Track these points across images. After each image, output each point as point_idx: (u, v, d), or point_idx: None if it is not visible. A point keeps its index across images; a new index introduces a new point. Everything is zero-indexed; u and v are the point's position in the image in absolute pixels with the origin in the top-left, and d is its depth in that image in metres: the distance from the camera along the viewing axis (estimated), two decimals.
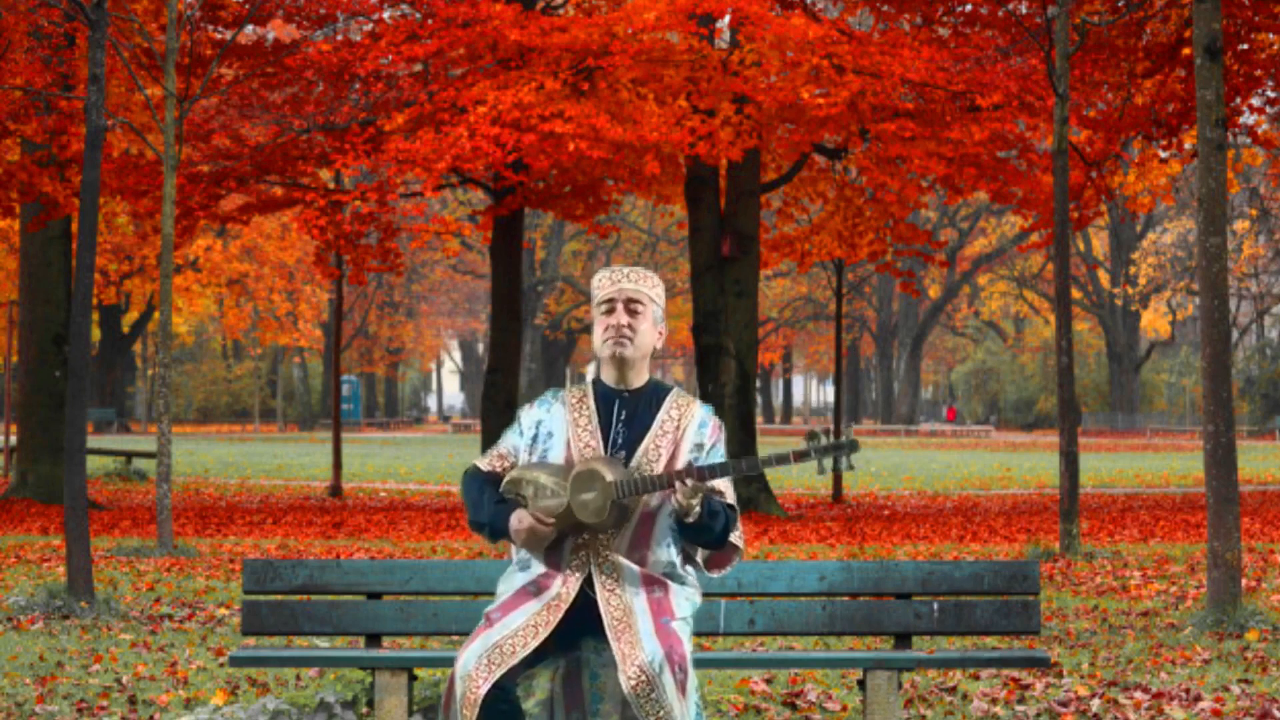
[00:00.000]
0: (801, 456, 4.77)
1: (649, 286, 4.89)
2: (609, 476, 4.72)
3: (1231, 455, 9.59)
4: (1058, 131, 14.29)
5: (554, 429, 4.91)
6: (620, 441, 4.86)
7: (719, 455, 4.89)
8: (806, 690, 7.16)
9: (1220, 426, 9.57)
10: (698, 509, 4.74)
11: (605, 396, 4.92)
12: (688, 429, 4.88)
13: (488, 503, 4.92)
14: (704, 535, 4.84)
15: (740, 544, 4.98)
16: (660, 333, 4.91)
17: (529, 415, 4.97)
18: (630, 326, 4.84)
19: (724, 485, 4.86)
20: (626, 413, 4.89)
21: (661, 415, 4.89)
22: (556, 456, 4.88)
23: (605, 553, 4.82)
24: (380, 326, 71.83)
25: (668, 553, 4.87)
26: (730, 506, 4.87)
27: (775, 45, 18.15)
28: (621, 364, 4.87)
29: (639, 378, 4.92)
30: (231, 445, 46.66)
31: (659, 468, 4.82)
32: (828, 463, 4.77)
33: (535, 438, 4.93)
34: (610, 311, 4.85)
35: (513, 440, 4.97)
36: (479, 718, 4.61)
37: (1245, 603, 9.57)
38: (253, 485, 26.36)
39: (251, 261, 52.33)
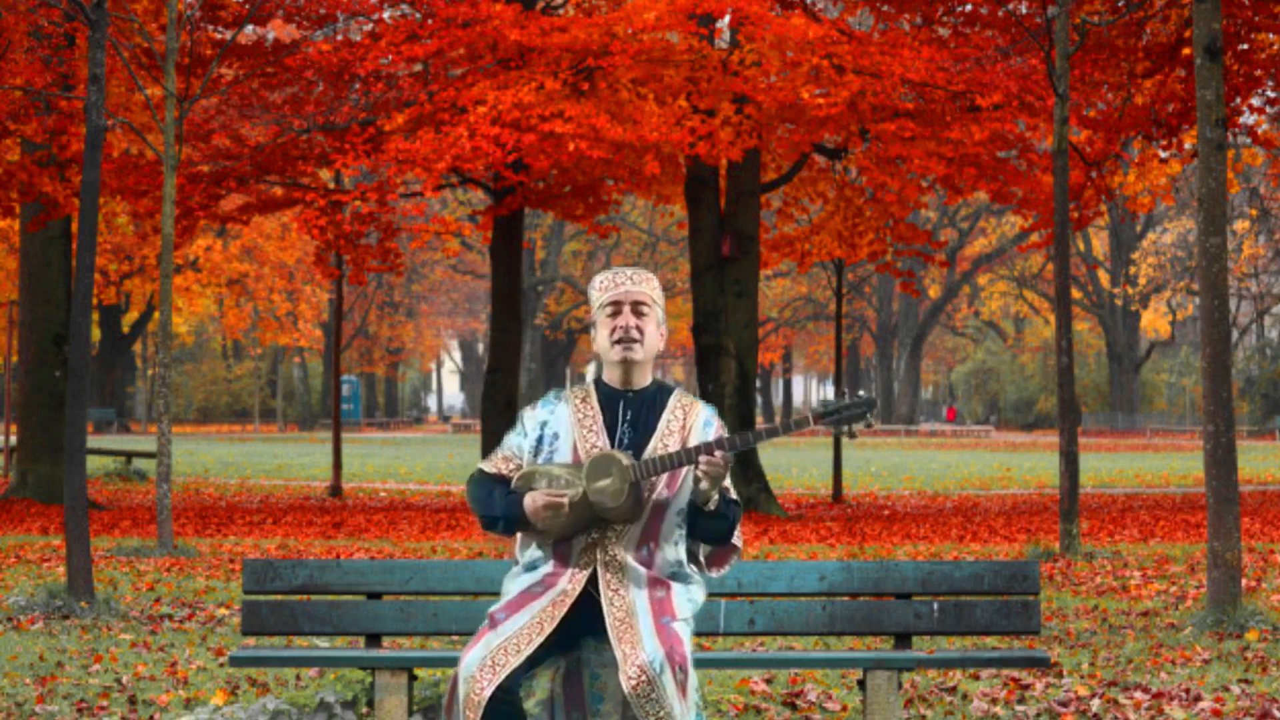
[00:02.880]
0: (821, 418, 4.78)
1: (652, 288, 4.88)
2: (625, 461, 4.71)
3: (1231, 455, 9.59)
4: (1058, 131, 14.29)
5: (560, 430, 4.89)
6: (626, 442, 4.85)
7: None
8: (806, 690, 7.16)
9: (1220, 426, 9.57)
10: (717, 496, 4.75)
11: (609, 397, 4.90)
12: (693, 428, 4.87)
13: (499, 497, 4.89)
14: (717, 528, 4.84)
15: (739, 543, 4.99)
16: (662, 334, 4.90)
17: (532, 417, 4.95)
18: (638, 328, 4.83)
19: (728, 482, 4.88)
20: (632, 413, 4.88)
21: (666, 415, 4.88)
22: (563, 458, 4.87)
23: (612, 551, 4.81)
24: (380, 326, 71.84)
25: (675, 551, 4.87)
26: (735, 502, 4.89)
27: (775, 45, 18.14)
28: (629, 366, 4.86)
29: (643, 379, 4.91)
30: (231, 445, 46.66)
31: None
32: (848, 425, 4.79)
33: (540, 439, 4.91)
34: (617, 314, 4.84)
35: (516, 441, 4.95)
36: (482, 719, 4.60)
37: (1245, 603, 9.57)
38: (253, 485, 26.36)
39: (251, 261, 52.33)
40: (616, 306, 4.84)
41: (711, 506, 4.76)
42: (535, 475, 4.83)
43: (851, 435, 4.82)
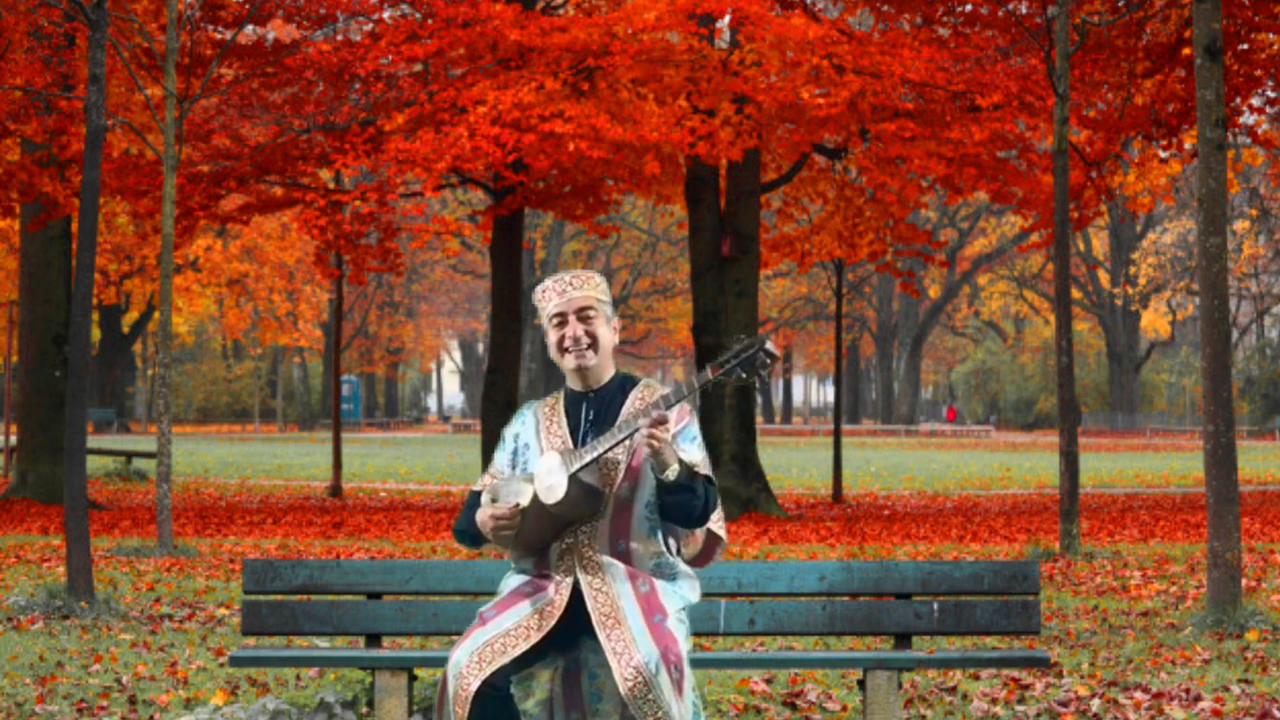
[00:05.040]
0: (719, 367, 4.71)
1: (594, 288, 4.90)
2: (564, 456, 4.77)
3: (1231, 455, 9.59)
4: (1058, 131, 14.30)
5: (529, 440, 4.98)
6: (589, 440, 4.88)
7: (690, 436, 4.84)
8: (806, 690, 7.16)
9: (1220, 426, 9.57)
10: (675, 465, 4.69)
11: (573, 400, 4.97)
12: None
13: (466, 512, 5.01)
14: (686, 503, 4.77)
15: (722, 533, 4.97)
16: (615, 328, 4.94)
17: (509, 430, 5.06)
18: (588, 333, 4.87)
19: (699, 459, 4.81)
20: (594, 411, 4.93)
21: (627, 407, 4.90)
22: (535, 465, 4.93)
23: (587, 552, 4.83)
24: (380, 326, 71.85)
25: (651, 545, 4.86)
26: (709, 480, 4.83)
27: (775, 45, 18.14)
28: (585, 371, 4.91)
29: (604, 375, 4.95)
30: (231, 445, 46.66)
31: (625, 459, 4.82)
32: (745, 371, 4.68)
33: (515, 451, 5.01)
34: (563, 324, 4.88)
35: (499, 458, 5.05)
36: (471, 714, 4.62)
37: (1245, 603, 9.57)
38: (253, 485, 26.36)
39: (251, 261, 52.33)
40: (562, 317, 4.88)
41: (670, 476, 4.69)
42: (498, 488, 4.90)
43: (753, 381, 4.75)
